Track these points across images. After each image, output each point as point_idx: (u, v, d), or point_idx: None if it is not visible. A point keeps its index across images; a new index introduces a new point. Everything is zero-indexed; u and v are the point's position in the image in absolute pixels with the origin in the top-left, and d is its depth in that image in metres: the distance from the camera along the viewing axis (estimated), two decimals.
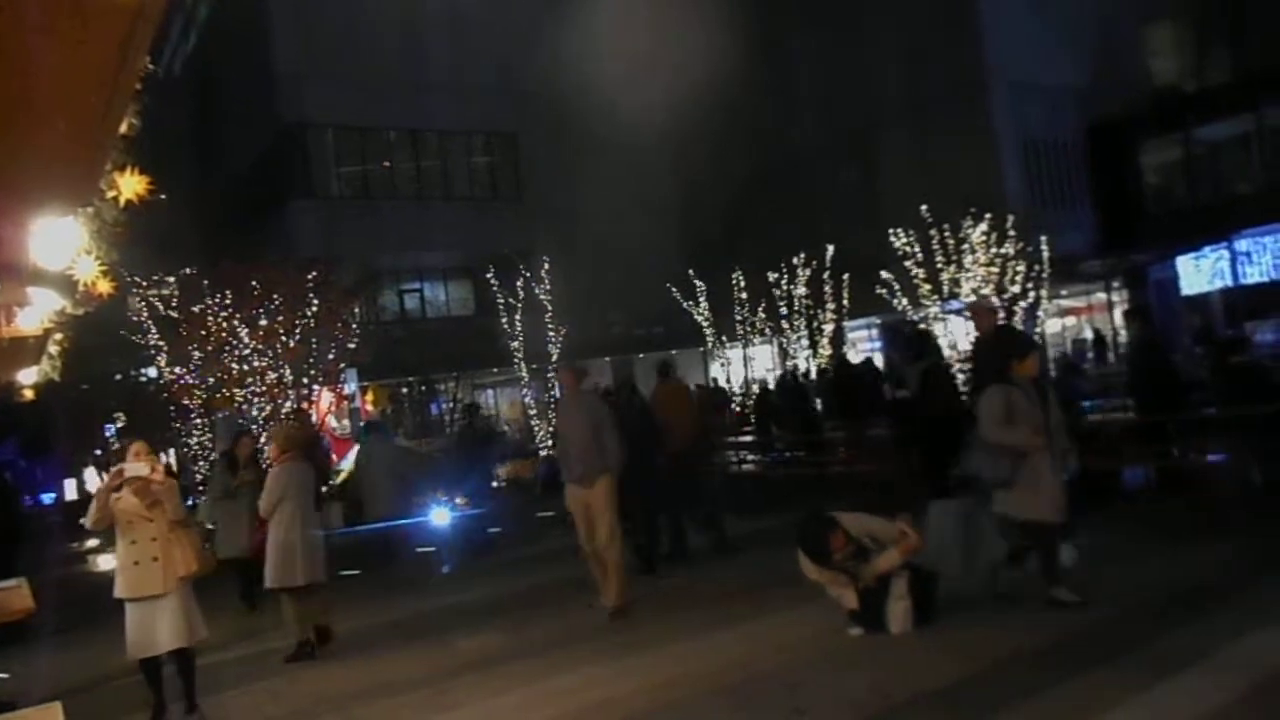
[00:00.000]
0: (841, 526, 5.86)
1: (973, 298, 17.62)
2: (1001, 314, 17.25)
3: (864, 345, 25.80)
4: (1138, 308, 11.04)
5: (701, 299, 22.57)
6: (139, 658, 5.71)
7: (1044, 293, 19.39)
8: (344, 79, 23.80)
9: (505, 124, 26.60)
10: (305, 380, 13.76)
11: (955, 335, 18.21)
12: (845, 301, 20.97)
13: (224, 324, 13.17)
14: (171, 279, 14.95)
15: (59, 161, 1.81)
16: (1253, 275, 21.21)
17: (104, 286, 3.27)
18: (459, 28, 25.16)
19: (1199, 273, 22.13)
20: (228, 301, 13.11)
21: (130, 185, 2.47)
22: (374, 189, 25.86)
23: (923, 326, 16.95)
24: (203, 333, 13.58)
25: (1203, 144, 23.93)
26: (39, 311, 3.23)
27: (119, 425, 27.74)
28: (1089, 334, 24.03)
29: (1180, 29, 26.55)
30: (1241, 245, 21.25)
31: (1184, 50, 26.50)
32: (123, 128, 2.12)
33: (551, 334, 19.64)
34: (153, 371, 18.37)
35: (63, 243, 2.59)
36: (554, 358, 19.49)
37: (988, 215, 17.72)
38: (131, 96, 1.95)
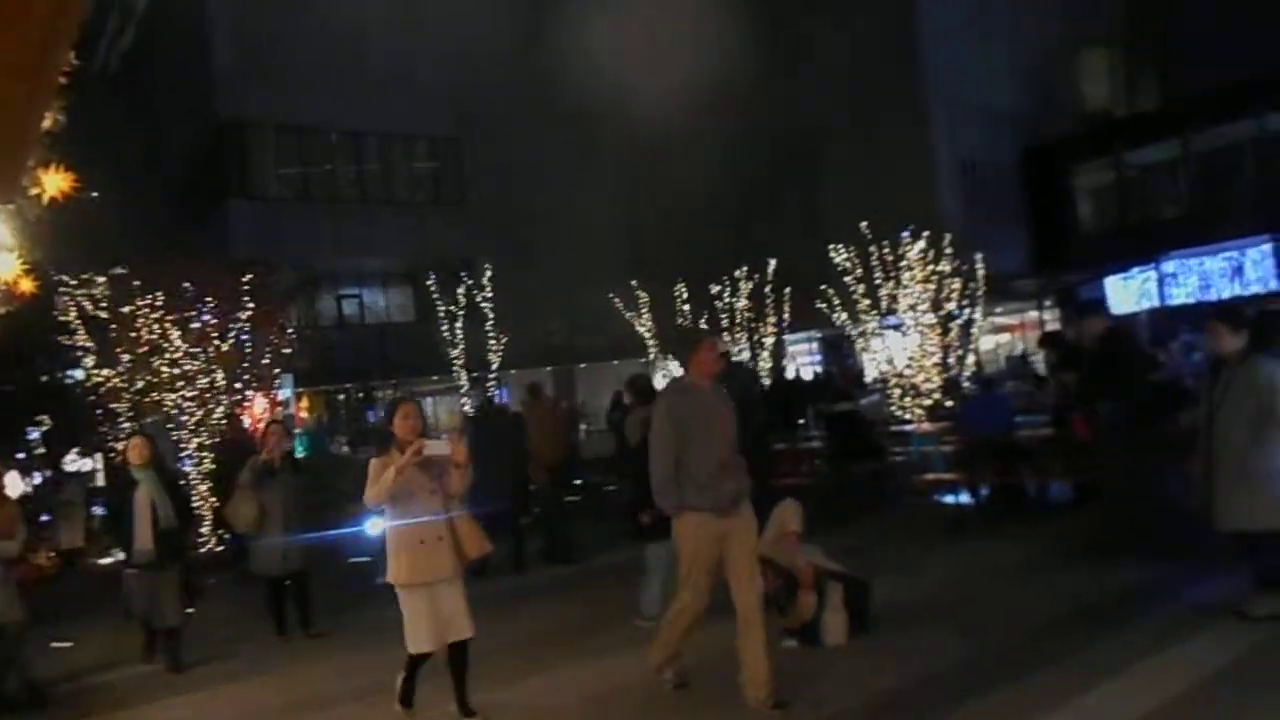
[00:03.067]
0: (771, 561, 5.86)
1: (910, 314, 17.91)
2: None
3: (804, 358, 26.08)
4: (1050, 334, 11.31)
5: (644, 310, 22.60)
6: None
7: (979, 310, 19.77)
8: (285, 78, 23.43)
9: (449, 128, 26.42)
10: (239, 385, 13.46)
11: (892, 350, 18.48)
12: (786, 315, 21.15)
13: (155, 326, 12.83)
14: (102, 279, 14.52)
15: None
16: (1178, 296, 21.90)
17: (26, 285, 3.16)
18: (404, 29, 24.91)
19: (1127, 293, 22.79)
20: (159, 303, 12.78)
21: (54, 182, 2.38)
22: (314, 191, 25.48)
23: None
24: (132, 334, 13.20)
25: (1133, 168, 24.70)
26: None
27: (44, 428, 26.91)
28: (1019, 349, 24.60)
29: (1112, 56, 27.42)
30: (1169, 267, 21.94)
31: (1115, 77, 27.36)
32: (46, 123, 2.04)
33: (492, 342, 19.51)
34: (79, 374, 17.82)
35: None
36: (494, 366, 19.36)
37: (925, 233, 18.03)
38: (54, 92, 1.88)
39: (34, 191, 2.40)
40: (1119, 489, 7.52)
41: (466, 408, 18.37)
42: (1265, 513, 5.37)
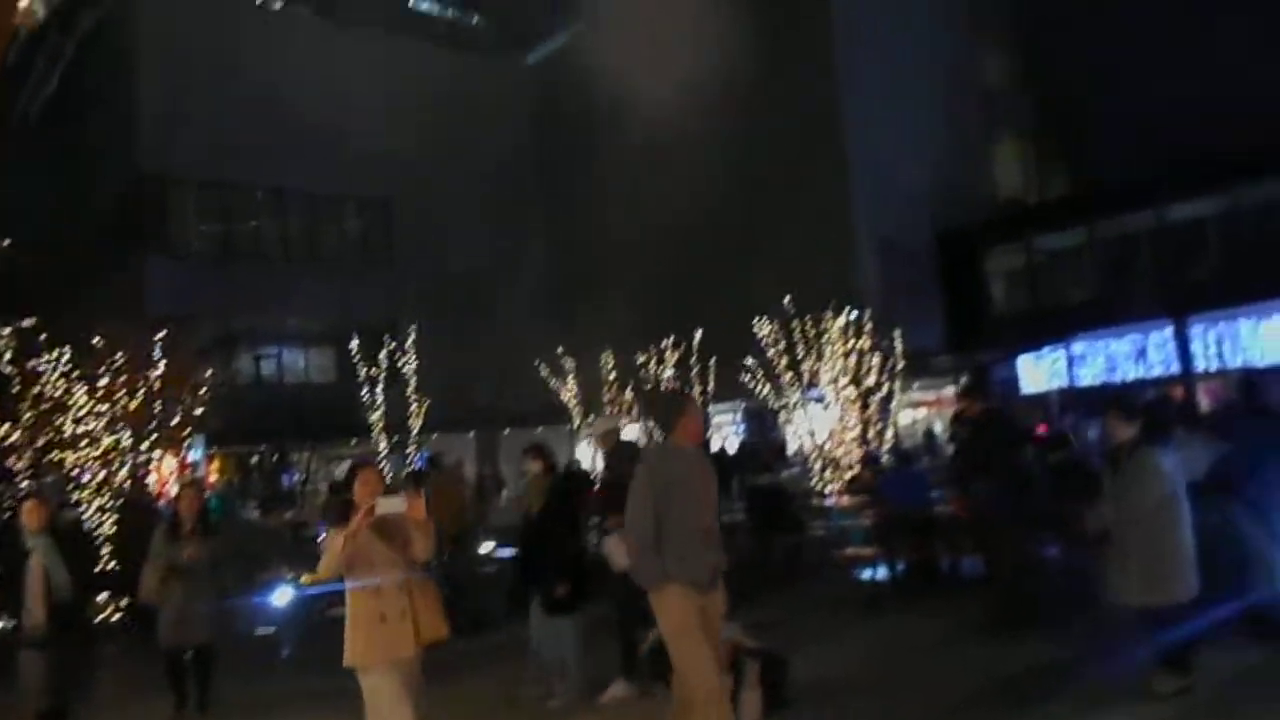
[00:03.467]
0: None
1: (831, 387, 18.23)
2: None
3: (728, 429, 26.26)
4: (970, 385, 11.53)
5: (570, 376, 22.58)
6: None
7: (898, 386, 20.21)
8: (212, 133, 23.18)
9: (379, 189, 26.35)
10: (145, 446, 13.00)
11: (814, 422, 18.74)
12: (711, 385, 21.35)
13: (60, 381, 12.37)
14: (7, 330, 13.97)
15: None
16: (1087, 377, 22.74)
17: None
18: (336, 88, 24.91)
19: (1038, 372, 23.58)
20: (66, 358, 12.34)
21: None
22: (238, 248, 25.08)
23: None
24: (35, 390, 12.70)
25: (1042, 253, 25.74)
26: None
27: None
28: (938, 426, 25.16)
29: (1023, 145, 28.76)
30: (1077, 348, 22.80)
31: (1027, 165, 28.66)
32: None
33: (414, 406, 19.24)
34: None
35: None
36: (414, 430, 19.06)
37: (847, 309, 18.45)
38: None
39: None
40: (1004, 565, 7.71)
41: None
42: (1163, 588, 5.56)
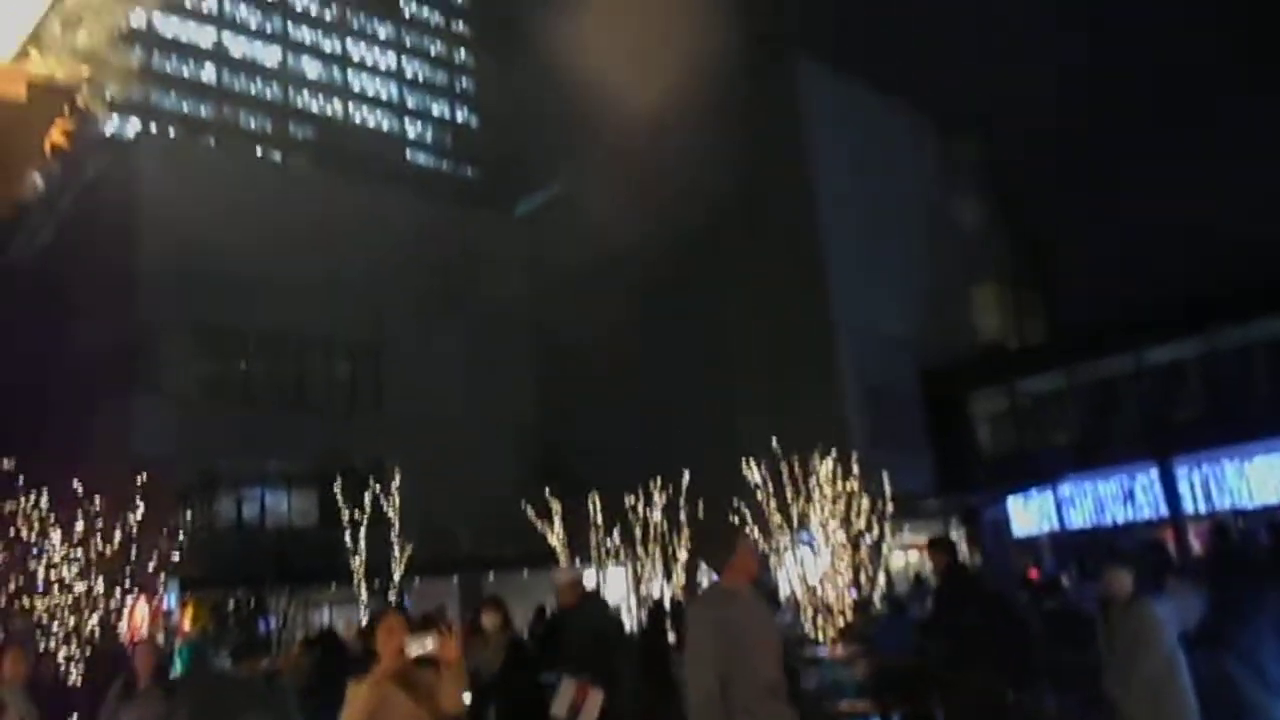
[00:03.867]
0: None
1: (820, 531, 18.03)
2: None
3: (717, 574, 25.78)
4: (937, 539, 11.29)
5: (557, 520, 22.29)
6: None
7: (888, 528, 20.01)
8: (206, 278, 23.54)
9: (370, 333, 26.63)
10: (118, 592, 12.67)
11: (804, 567, 18.45)
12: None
13: (35, 525, 12.16)
14: None
15: None
16: (1076, 519, 22.63)
17: None
18: (330, 235, 25.52)
19: (1028, 514, 23.46)
20: (42, 502, 12.17)
21: None
22: (227, 390, 25.11)
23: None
24: (10, 534, 12.47)
25: (1025, 396, 26.03)
26: None
27: None
28: (928, 569, 24.79)
29: (1000, 291, 29.49)
30: (1065, 490, 22.76)
31: (1005, 310, 29.30)
32: None
33: (396, 551, 18.90)
34: None
35: None
36: (397, 576, 18.66)
37: (833, 452, 18.46)
38: None
39: None
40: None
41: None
42: None
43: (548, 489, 22.26)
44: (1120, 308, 22.69)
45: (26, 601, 12.53)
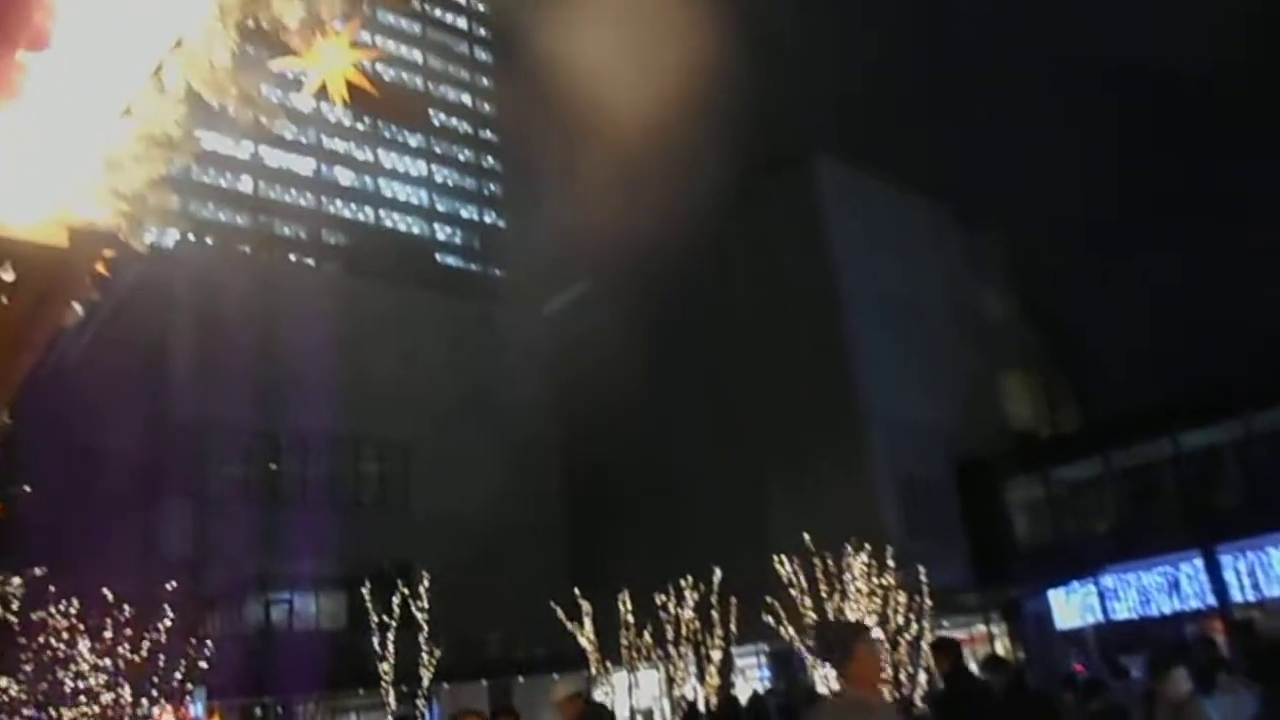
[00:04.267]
0: None
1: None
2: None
3: (753, 673, 25.17)
4: (992, 656, 10.92)
5: (587, 620, 21.94)
6: None
7: (926, 624, 19.52)
8: (238, 380, 23.90)
9: (399, 432, 26.77)
10: (145, 701, 12.55)
11: None
12: (732, 627, 20.66)
13: (64, 634, 12.14)
14: (17, 580, 13.87)
15: None
16: (1121, 611, 21.94)
17: None
18: (361, 336, 25.91)
19: (1070, 607, 22.79)
20: (72, 610, 12.18)
21: None
22: (257, 492, 25.22)
23: None
24: (39, 642, 12.44)
25: (1062, 484, 25.58)
26: None
27: None
28: (971, 666, 24.03)
29: (1030, 380, 29.27)
30: (1108, 582, 22.14)
31: (1036, 398, 29.03)
32: None
33: (425, 654, 18.63)
34: None
35: None
36: (425, 679, 18.36)
37: (867, 545, 18.18)
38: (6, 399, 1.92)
39: None
40: None
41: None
42: None
43: (577, 589, 21.99)
44: (1153, 393, 22.43)
45: (54, 712, 12.43)
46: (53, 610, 12.23)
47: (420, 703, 17.98)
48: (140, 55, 1.62)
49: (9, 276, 1.22)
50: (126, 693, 12.34)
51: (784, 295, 25.57)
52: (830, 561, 18.35)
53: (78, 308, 1.73)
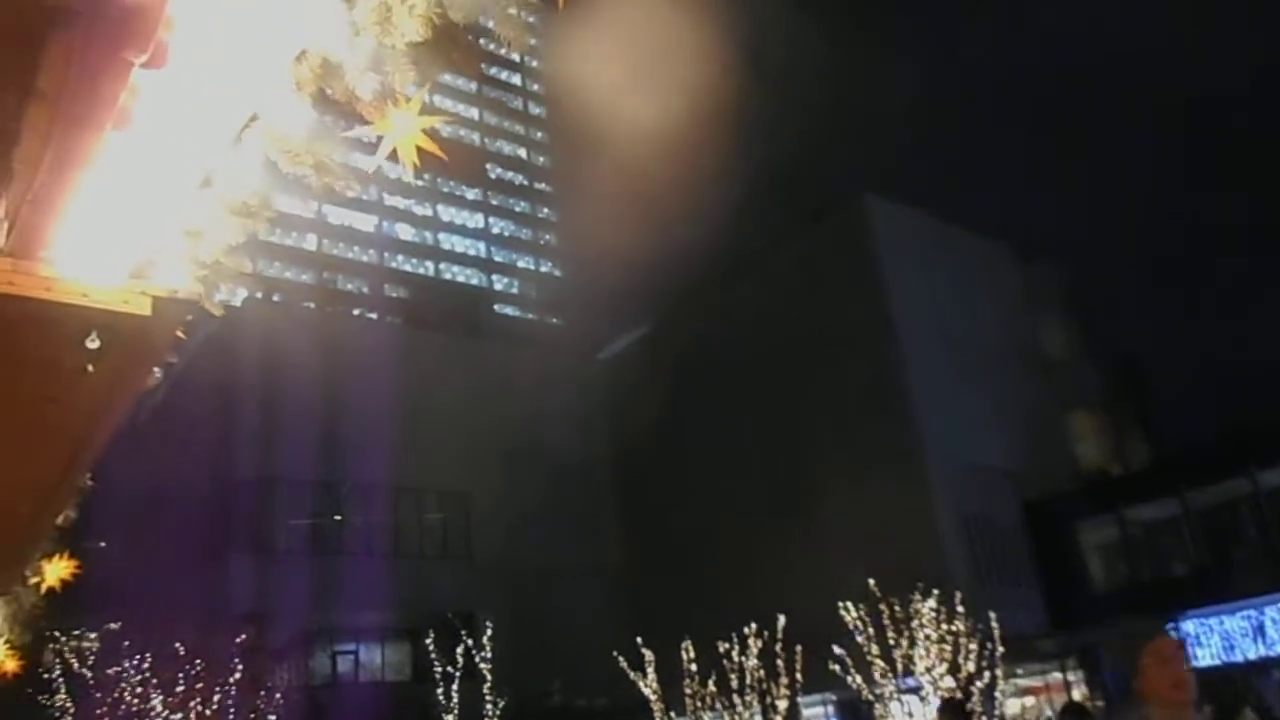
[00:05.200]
0: None
1: (926, 676, 17.19)
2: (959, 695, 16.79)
3: None
4: (1072, 704, 10.61)
5: (649, 669, 21.70)
6: None
7: (999, 672, 18.96)
8: (304, 435, 24.34)
9: (459, 482, 26.98)
10: None
11: (911, 714, 17.54)
12: (798, 675, 20.27)
13: (137, 689, 12.35)
14: (93, 635, 14.20)
15: None
16: (1204, 658, 21.06)
17: (11, 665, 3.11)
18: (421, 388, 26.26)
19: None
20: (146, 665, 12.40)
21: (55, 571, 2.44)
22: (321, 543, 25.54)
23: None
24: (114, 696, 12.67)
25: (1136, 525, 24.78)
26: None
27: None
28: (1048, 714, 23.23)
29: (1096, 418, 28.54)
30: (1189, 627, 21.30)
31: (1103, 437, 28.28)
32: (58, 521, 2.15)
33: (489, 705, 18.59)
34: None
35: None
36: None
37: (935, 590, 17.79)
38: (66, 506, 1.99)
39: (34, 580, 2.46)
40: None
41: None
42: None
43: (639, 638, 21.80)
44: (1223, 428, 21.71)
45: None
46: (126, 664, 12.46)
47: None
48: (220, 127, 1.71)
49: (94, 345, 1.29)
50: None
51: (840, 336, 25.40)
52: (897, 607, 17.98)
53: (157, 372, 1.80)
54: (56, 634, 13.68)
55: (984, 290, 27.52)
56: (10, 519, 1.62)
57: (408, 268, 69.09)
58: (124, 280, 1.60)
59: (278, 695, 13.68)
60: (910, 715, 17.63)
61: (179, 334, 1.77)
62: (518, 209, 76.84)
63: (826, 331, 25.51)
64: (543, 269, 75.37)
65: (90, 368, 1.29)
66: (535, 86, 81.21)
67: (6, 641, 2.73)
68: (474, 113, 76.24)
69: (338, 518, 26.21)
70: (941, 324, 25.27)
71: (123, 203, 1.66)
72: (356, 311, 58.54)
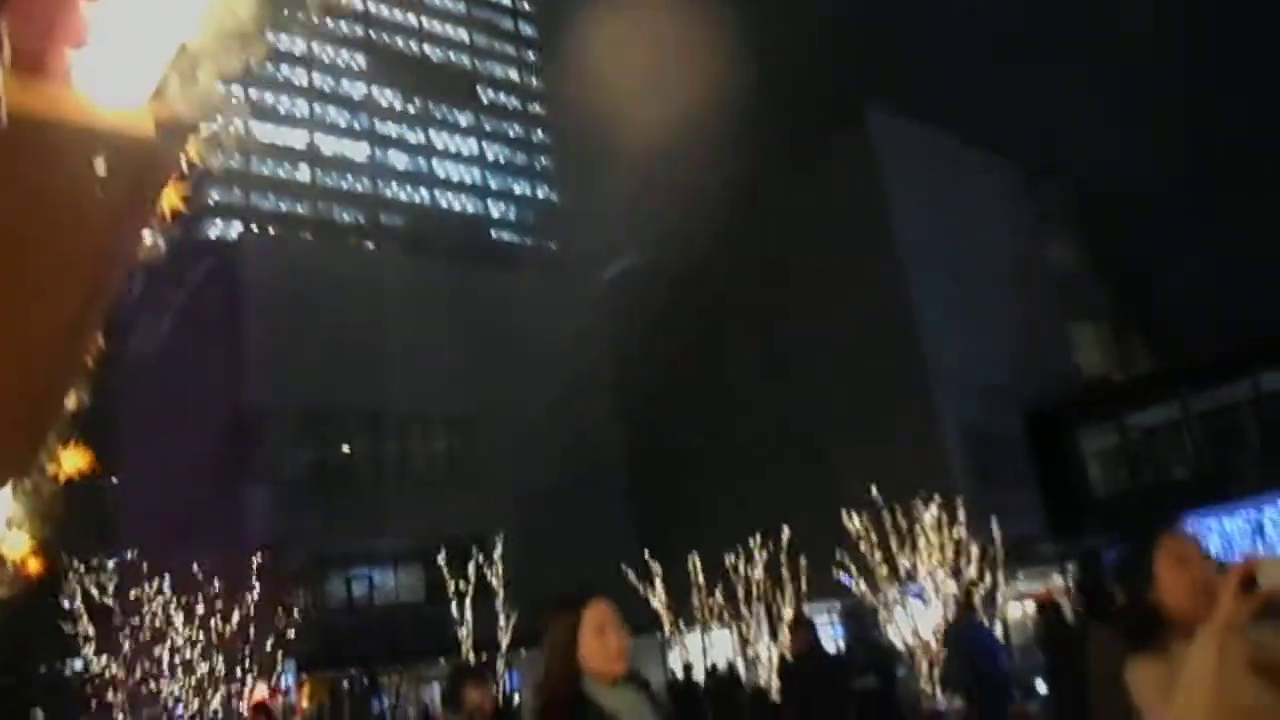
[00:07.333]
0: None
1: (929, 580, 17.53)
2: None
3: (825, 630, 25.18)
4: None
5: (657, 582, 22.15)
6: None
7: (1000, 576, 19.32)
8: (307, 364, 24.45)
9: (464, 406, 27.16)
10: (239, 671, 13.04)
11: (915, 619, 17.93)
12: (804, 585, 20.67)
13: (160, 611, 12.64)
14: (111, 563, 14.48)
15: (1, 436, 1.81)
16: None
17: (34, 566, 3.17)
18: (422, 314, 26.30)
19: None
20: (165, 587, 12.67)
21: (72, 461, 2.48)
22: (331, 472, 25.84)
23: None
24: (136, 620, 12.97)
25: (1137, 431, 25.00)
26: None
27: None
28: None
29: (1099, 328, 28.54)
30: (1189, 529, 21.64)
31: (1106, 346, 28.33)
32: (70, 404, 2.17)
33: (502, 622, 19.02)
34: (79, 664, 17.31)
35: None
36: (503, 647, 18.75)
37: (936, 496, 18.02)
38: (81, 375, 2.02)
39: (51, 469, 2.49)
40: None
41: None
42: None
43: (647, 551, 22.20)
44: (1229, 337, 21.70)
45: (155, 685, 12.97)
46: (147, 587, 12.74)
47: (501, 668, 18.37)
48: None
49: (102, 169, 1.28)
50: (220, 664, 12.83)
51: (844, 252, 25.27)
52: (900, 516, 18.24)
53: (160, 241, 1.81)
54: (76, 563, 13.95)
55: (991, 204, 27.33)
56: (24, 385, 1.64)
57: (403, 196, 68.53)
58: (126, 104, 1.59)
59: (295, 614, 14.00)
60: (913, 619, 18.00)
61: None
62: (512, 134, 75.82)
63: (832, 246, 25.38)
64: (540, 194, 74.71)
65: (99, 193, 1.29)
66: (526, 6, 79.46)
67: (30, 536, 2.79)
68: (463, 34, 74.71)
69: (346, 447, 26.47)
70: (947, 237, 25.15)
71: (126, 24, 1.63)
72: (353, 242, 58.28)
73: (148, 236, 1.72)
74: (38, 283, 1.44)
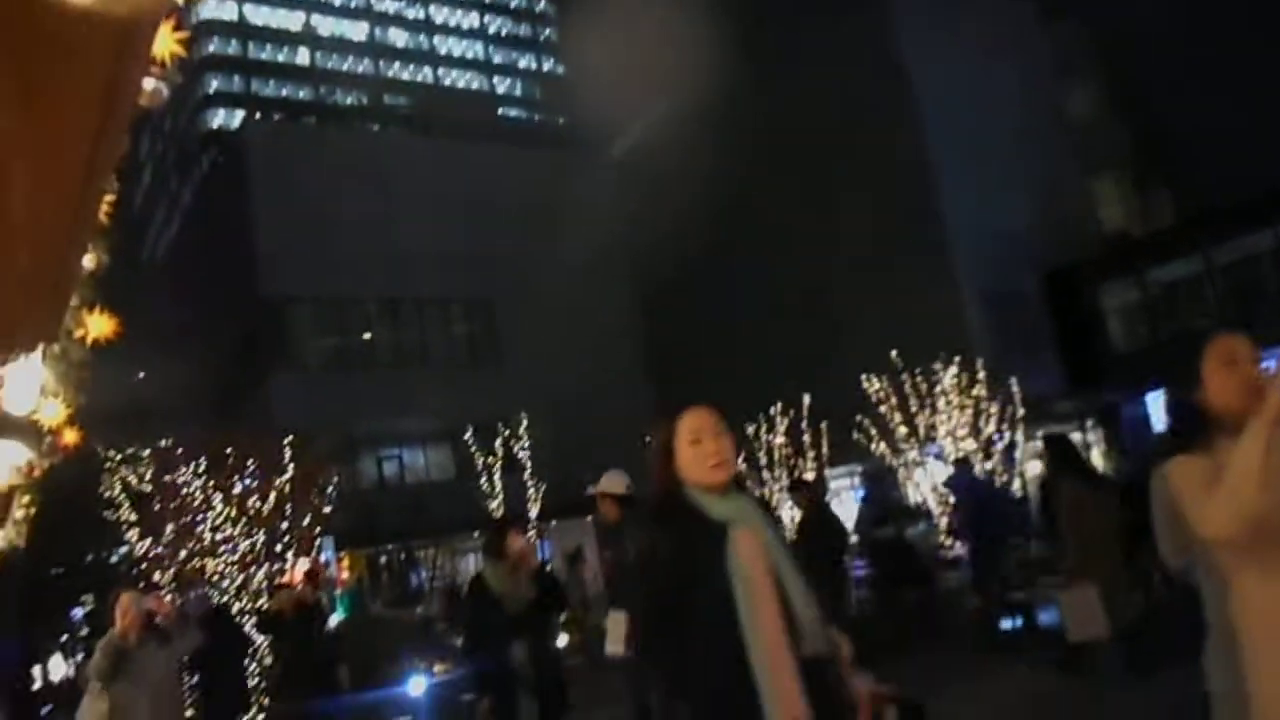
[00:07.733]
0: None
1: (949, 440, 17.75)
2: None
3: (846, 494, 25.71)
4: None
5: None
6: None
7: (1020, 435, 19.52)
8: (322, 253, 24.45)
9: (482, 290, 27.22)
10: (279, 548, 13.48)
11: (936, 478, 18.25)
12: (825, 449, 20.99)
13: (198, 493, 13.00)
14: (146, 452, 14.80)
15: (21, 296, 1.82)
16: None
17: (70, 436, 3.24)
18: (434, 199, 26.11)
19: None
20: (202, 469, 12.99)
21: (98, 325, 2.50)
22: (353, 359, 26.16)
23: None
24: (175, 503, 13.35)
25: (1158, 284, 24.78)
26: (2, 465, 3.11)
27: (87, 609, 26.92)
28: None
29: (1120, 180, 27.96)
30: None
31: (1127, 199, 27.82)
32: (89, 263, 2.18)
33: (531, 493, 19.51)
34: (123, 550, 17.96)
35: (26, 385, 2.54)
36: (533, 517, 19.29)
37: (956, 358, 18.07)
38: (99, 226, 2.01)
39: (78, 333, 2.51)
40: None
41: None
42: None
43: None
44: (1250, 184, 21.21)
45: (198, 563, 13.44)
46: (184, 469, 13.07)
47: (533, 536, 18.92)
48: None
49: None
50: (261, 539, 13.26)
51: (856, 105, 24.64)
52: (919, 378, 18.34)
53: (164, 88, 1.78)
54: (111, 453, 14.31)
55: (1007, 51, 26.37)
56: (38, 241, 1.64)
57: (405, 75, 66.92)
58: None
59: (330, 492, 14.38)
60: (933, 478, 18.32)
61: (179, 42, 1.71)
62: (514, 4, 73.38)
63: (844, 105, 24.74)
64: (545, 67, 72.76)
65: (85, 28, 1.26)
66: None
67: (64, 404, 2.85)
68: None
69: (367, 335, 26.69)
70: (961, 87, 24.41)
71: None
72: (357, 124, 57.33)
73: (148, 82, 1.70)
74: (45, 134, 1.41)
